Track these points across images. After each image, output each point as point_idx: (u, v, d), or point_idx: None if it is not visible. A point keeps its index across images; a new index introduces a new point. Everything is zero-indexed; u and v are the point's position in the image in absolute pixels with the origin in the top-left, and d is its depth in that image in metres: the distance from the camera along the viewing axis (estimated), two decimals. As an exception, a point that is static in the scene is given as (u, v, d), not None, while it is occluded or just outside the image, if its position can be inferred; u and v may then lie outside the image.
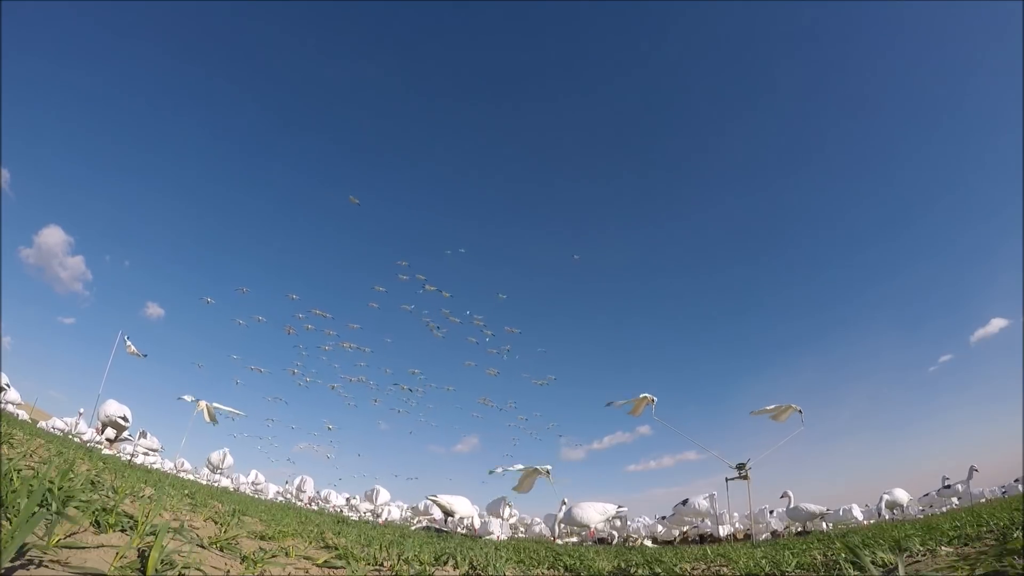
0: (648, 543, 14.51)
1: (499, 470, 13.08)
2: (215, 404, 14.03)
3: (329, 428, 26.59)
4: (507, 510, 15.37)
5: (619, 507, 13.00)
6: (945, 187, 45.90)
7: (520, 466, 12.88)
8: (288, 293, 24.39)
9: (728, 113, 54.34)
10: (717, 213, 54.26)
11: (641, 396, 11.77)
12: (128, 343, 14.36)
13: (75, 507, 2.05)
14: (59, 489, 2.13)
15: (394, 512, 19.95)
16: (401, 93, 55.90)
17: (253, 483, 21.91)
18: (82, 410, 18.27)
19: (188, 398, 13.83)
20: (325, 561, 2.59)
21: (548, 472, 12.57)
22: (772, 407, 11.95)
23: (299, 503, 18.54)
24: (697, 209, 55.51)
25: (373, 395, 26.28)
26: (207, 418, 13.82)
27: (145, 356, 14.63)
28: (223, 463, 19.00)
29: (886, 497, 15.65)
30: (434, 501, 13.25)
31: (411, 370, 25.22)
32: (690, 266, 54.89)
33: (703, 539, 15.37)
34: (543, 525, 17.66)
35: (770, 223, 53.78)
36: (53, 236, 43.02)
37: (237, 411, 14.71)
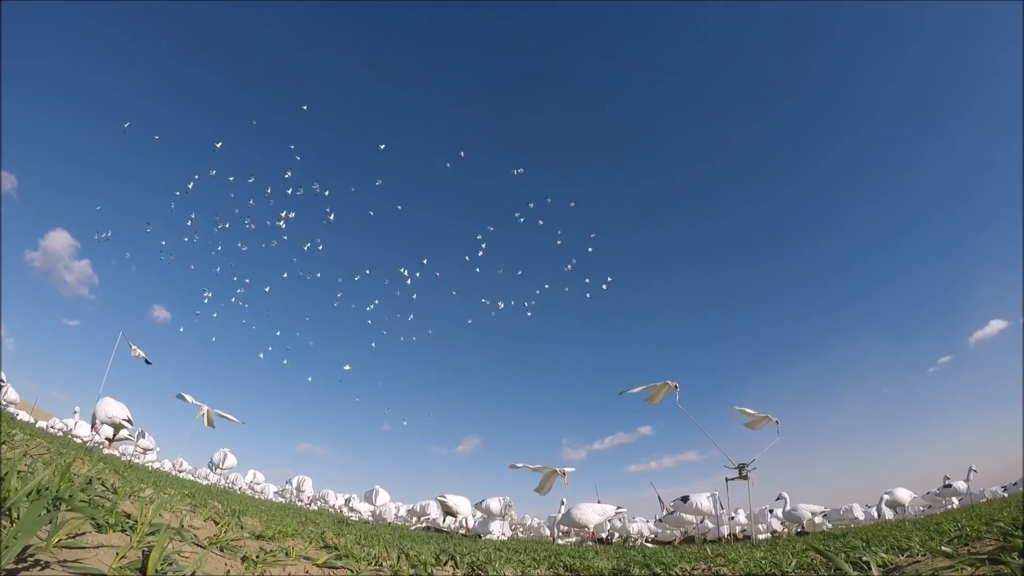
0: (647, 544, 14.49)
1: (520, 465, 13.04)
2: (216, 410, 14.11)
3: (346, 368, 25.21)
4: (508, 510, 15.39)
5: (618, 508, 12.94)
6: (946, 189, 46.02)
7: (540, 465, 12.83)
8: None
9: (728, 121, 54.39)
10: (721, 216, 54.38)
11: (662, 382, 11.11)
12: (132, 346, 14.27)
13: (75, 508, 2.05)
14: (59, 490, 2.12)
15: (393, 512, 19.92)
16: (407, 95, 55.85)
17: (253, 483, 21.88)
18: (77, 408, 18.04)
19: (189, 398, 13.85)
20: (325, 561, 2.59)
21: (565, 473, 12.56)
22: (752, 411, 11.65)
23: (300, 503, 18.51)
24: (700, 212, 55.64)
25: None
26: (206, 423, 13.91)
27: (150, 363, 14.52)
28: (223, 463, 18.96)
29: (886, 497, 15.59)
30: (442, 502, 13.70)
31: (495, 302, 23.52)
32: (689, 268, 55.00)
33: (702, 540, 15.33)
34: (543, 525, 17.64)
35: (772, 225, 53.85)
36: (59, 240, 43.14)
37: (236, 419, 14.74)
